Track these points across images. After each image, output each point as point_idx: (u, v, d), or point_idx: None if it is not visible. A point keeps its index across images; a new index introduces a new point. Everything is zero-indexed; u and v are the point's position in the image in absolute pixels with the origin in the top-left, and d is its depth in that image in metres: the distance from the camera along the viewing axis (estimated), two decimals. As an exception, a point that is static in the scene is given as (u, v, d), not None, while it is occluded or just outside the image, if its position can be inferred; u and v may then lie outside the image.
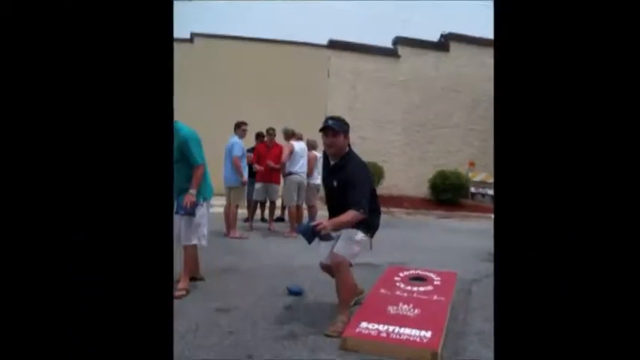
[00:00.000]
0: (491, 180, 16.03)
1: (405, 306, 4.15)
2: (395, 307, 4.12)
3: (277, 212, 10.66)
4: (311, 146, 9.99)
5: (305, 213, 9.76)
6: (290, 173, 9.22)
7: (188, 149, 4.80)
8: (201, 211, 5.00)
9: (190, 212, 4.88)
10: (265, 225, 10.08)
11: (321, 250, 4.33)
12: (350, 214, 3.80)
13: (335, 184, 4.08)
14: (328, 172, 4.23)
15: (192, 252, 5.07)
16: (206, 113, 14.77)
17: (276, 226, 9.97)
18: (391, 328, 3.73)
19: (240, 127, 8.81)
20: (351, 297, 4.26)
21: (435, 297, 4.44)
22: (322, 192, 4.98)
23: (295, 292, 5.00)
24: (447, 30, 18.46)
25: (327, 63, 17.00)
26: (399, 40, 17.90)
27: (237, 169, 8.58)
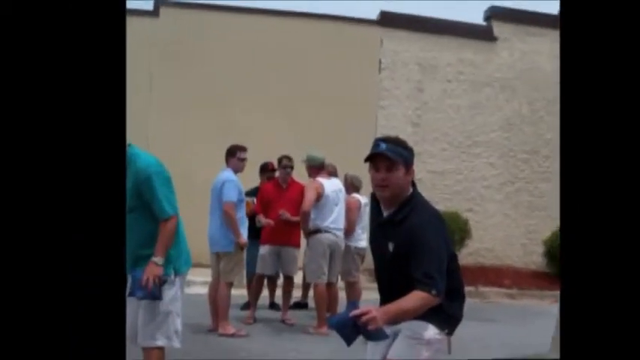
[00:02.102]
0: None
1: None
2: None
3: (296, 294, 10.65)
4: (352, 186, 9.99)
5: (342, 295, 9.72)
6: (317, 230, 9.22)
7: (151, 191, 4.83)
8: (171, 293, 5.01)
9: (154, 294, 4.88)
10: (277, 315, 10.08)
11: (367, 357, 4.29)
12: (415, 298, 3.76)
13: (391, 247, 4.06)
14: (379, 229, 4.22)
15: (156, 357, 5.06)
16: (179, 130, 14.91)
17: (295, 316, 9.96)
18: None
19: (235, 155, 8.87)
20: None
21: None
22: (370, 261, 4.94)
23: None
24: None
25: (378, 50, 17.16)
26: (495, 13, 18.03)
27: (230, 224, 8.61)
